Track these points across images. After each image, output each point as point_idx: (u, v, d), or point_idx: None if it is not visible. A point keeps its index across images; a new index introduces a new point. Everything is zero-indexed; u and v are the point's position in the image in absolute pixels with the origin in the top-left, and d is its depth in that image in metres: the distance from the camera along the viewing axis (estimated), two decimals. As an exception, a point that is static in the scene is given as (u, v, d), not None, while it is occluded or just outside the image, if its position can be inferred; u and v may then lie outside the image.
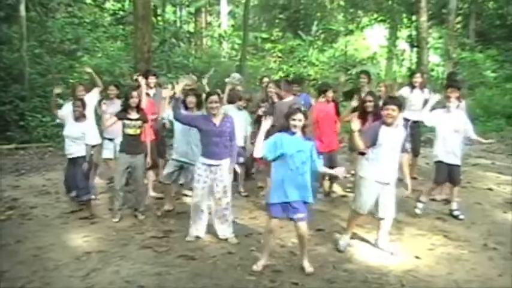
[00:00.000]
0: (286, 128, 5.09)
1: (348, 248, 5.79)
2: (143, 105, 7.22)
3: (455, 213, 6.92)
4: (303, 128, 5.09)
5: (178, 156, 6.80)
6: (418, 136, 8.86)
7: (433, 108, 7.11)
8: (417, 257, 5.54)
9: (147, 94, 8.09)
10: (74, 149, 7.02)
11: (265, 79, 9.11)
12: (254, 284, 4.89)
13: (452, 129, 6.79)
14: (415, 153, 8.92)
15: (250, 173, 8.97)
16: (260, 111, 8.00)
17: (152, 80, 8.65)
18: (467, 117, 7.03)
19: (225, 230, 6.12)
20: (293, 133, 5.04)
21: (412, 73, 9.74)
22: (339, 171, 5.31)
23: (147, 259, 5.52)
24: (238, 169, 7.26)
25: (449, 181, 7.03)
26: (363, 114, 6.78)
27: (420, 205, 6.98)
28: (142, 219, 6.89)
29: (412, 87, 8.73)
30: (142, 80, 7.73)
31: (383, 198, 5.61)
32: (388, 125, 5.46)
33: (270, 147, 5.05)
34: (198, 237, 6.10)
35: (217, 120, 5.95)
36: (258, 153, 5.12)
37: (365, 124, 6.69)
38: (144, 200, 7.14)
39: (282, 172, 5.04)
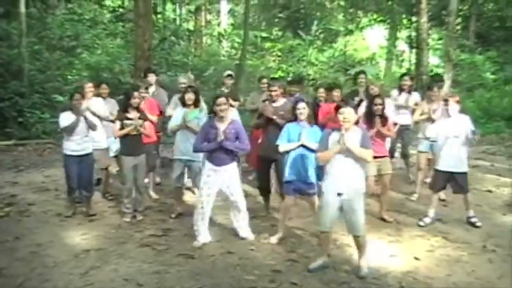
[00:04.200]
0: (293, 119, 6.05)
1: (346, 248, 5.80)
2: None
3: (472, 220, 6.72)
4: (308, 117, 6.02)
5: (180, 154, 6.81)
6: (407, 140, 8.83)
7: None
8: (416, 259, 5.53)
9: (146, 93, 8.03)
10: (84, 146, 6.90)
11: (264, 80, 9.08)
12: (253, 283, 4.87)
13: (452, 135, 6.54)
14: (404, 156, 8.90)
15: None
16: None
17: (152, 77, 8.63)
18: (469, 120, 6.69)
19: (245, 230, 6.18)
20: (300, 121, 5.97)
21: (401, 75, 9.62)
22: None
23: (146, 257, 5.50)
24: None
25: (456, 190, 6.77)
26: (370, 117, 6.74)
27: (427, 220, 6.70)
28: (141, 219, 6.85)
29: (400, 90, 8.66)
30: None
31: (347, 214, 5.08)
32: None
33: (282, 137, 6.06)
34: (204, 244, 5.93)
35: (222, 126, 5.89)
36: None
37: (372, 127, 6.65)
38: (143, 200, 7.09)
39: (292, 155, 5.93)
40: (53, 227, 6.54)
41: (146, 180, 7.89)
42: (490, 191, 8.41)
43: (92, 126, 6.92)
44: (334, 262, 5.38)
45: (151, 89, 8.56)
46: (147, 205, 7.29)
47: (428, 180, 8.08)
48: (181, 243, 5.95)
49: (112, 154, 7.89)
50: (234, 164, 6.05)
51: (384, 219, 6.77)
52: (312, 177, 5.93)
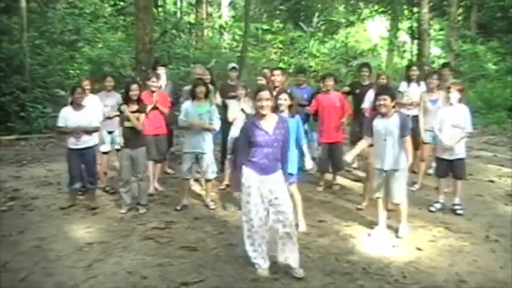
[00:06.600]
0: (275, 109, 5.44)
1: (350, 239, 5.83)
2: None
3: (455, 207, 6.82)
4: (289, 107, 5.86)
5: (191, 148, 6.90)
6: (417, 130, 8.73)
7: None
8: (419, 249, 5.53)
9: (159, 87, 7.94)
10: (86, 139, 6.92)
11: (265, 70, 9.03)
12: (256, 275, 4.88)
13: (451, 124, 6.61)
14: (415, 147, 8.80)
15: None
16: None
17: (162, 70, 8.53)
18: (468, 111, 6.71)
19: (289, 257, 4.87)
20: (281, 112, 5.65)
21: (408, 66, 9.45)
22: (308, 163, 6.11)
23: (149, 250, 5.52)
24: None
25: (455, 176, 6.86)
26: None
27: (437, 205, 6.94)
28: (143, 213, 6.85)
29: (409, 80, 8.51)
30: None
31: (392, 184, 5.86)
32: (383, 115, 5.75)
33: None
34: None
35: (269, 126, 4.70)
36: None
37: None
38: (145, 194, 7.09)
39: None
40: (56, 221, 6.56)
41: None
42: (492, 181, 8.41)
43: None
44: (337, 253, 5.41)
45: (163, 82, 8.46)
46: (149, 198, 7.30)
47: (431, 171, 8.13)
48: (184, 236, 5.97)
49: (117, 147, 7.90)
50: (280, 172, 4.88)
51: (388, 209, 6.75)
52: (293, 169, 5.85)
